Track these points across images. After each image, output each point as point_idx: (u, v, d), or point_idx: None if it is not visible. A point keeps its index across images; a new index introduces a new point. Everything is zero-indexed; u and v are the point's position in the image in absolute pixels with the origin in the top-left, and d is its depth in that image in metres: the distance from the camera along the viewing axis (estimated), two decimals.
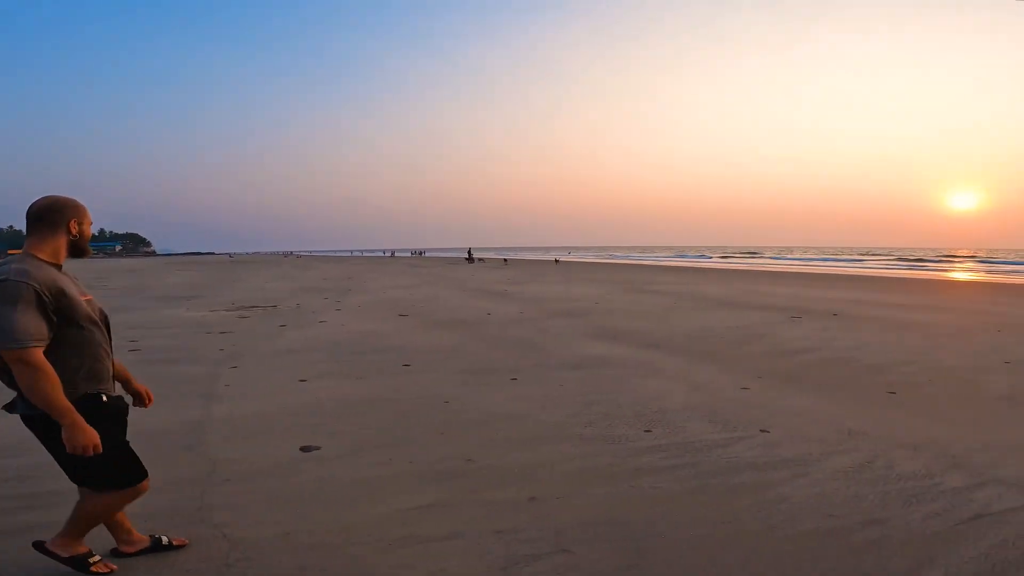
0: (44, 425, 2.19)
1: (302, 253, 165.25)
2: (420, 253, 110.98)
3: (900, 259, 55.69)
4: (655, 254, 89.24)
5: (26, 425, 2.27)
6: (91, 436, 2.13)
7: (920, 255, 64.69)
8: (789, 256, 67.03)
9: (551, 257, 63.89)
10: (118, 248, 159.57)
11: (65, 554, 2.40)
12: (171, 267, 47.72)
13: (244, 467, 3.69)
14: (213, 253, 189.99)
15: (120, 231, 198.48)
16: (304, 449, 4.02)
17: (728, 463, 3.61)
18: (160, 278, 28.97)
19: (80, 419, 2.12)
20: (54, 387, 2.08)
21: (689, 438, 4.12)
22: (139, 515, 2.78)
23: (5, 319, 2.02)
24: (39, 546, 2.43)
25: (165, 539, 2.65)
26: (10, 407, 2.28)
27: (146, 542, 2.62)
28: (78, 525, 2.40)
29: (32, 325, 2.05)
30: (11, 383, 2.19)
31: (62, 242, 2.24)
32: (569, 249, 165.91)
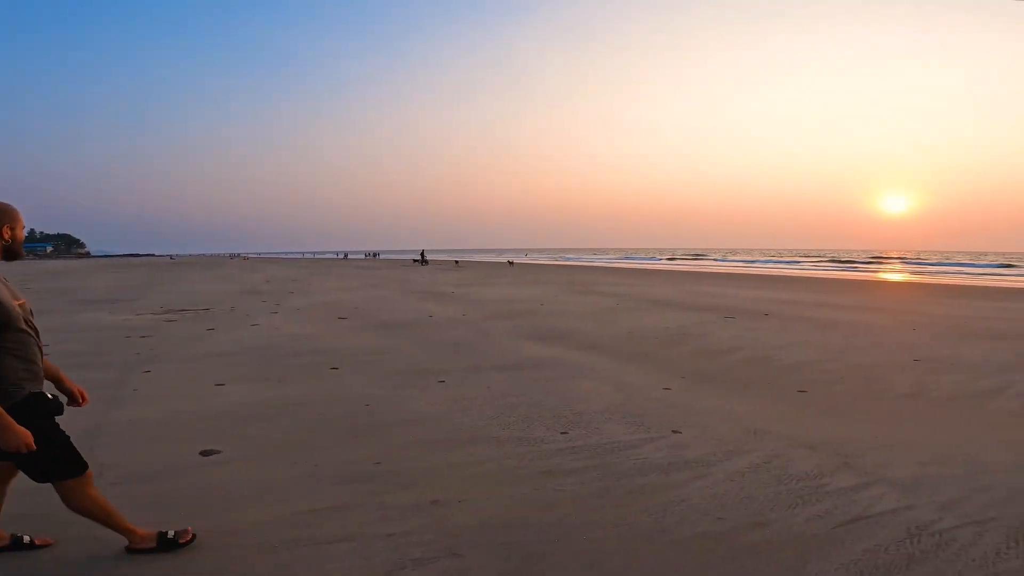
0: None
1: (250, 255, 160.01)
2: (374, 255, 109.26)
3: (833, 260, 58.37)
4: (607, 255, 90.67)
5: None
6: (23, 435, 2.22)
7: (852, 257, 67.97)
8: (733, 258, 69.23)
9: (505, 259, 64.02)
10: (49, 249, 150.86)
11: (149, 544, 2.58)
12: (103, 269, 45.47)
13: (134, 471, 3.58)
14: (153, 255, 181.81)
15: (52, 232, 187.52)
16: (204, 453, 3.92)
17: (635, 465, 3.63)
18: (88, 281, 27.51)
19: (10, 420, 2.20)
20: None
21: (603, 440, 4.14)
22: (14, 515, 2.72)
23: None
24: (129, 549, 2.59)
25: (27, 538, 2.63)
26: None
27: (5, 540, 2.61)
28: (106, 520, 2.52)
29: None
30: None
31: None
32: (526, 251, 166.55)
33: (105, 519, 2.51)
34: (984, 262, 54.42)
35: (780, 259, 64.01)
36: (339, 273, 34.48)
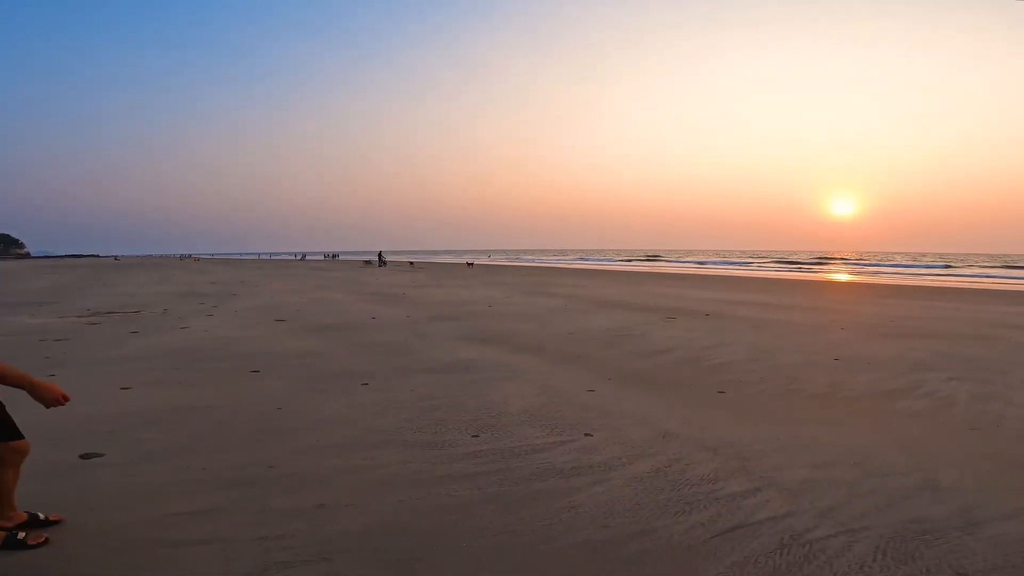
0: None
1: (203, 256, 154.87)
2: (333, 256, 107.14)
3: (780, 261, 59.93)
4: (568, 257, 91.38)
5: None
6: (56, 388, 2.58)
7: (801, 258, 70.12)
8: (688, 259, 70.48)
9: (464, 260, 63.76)
10: None
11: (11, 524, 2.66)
12: (40, 270, 43.25)
13: None
14: (98, 255, 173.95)
15: None
16: (84, 456, 3.79)
17: (537, 469, 3.56)
18: (19, 283, 26.06)
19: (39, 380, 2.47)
20: None
21: (513, 443, 4.06)
22: None
23: None
24: None
25: (42, 515, 2.80)
26: None
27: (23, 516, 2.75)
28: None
29: None
30: None
31: None
32: (490, 252, 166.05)
33: None
34: (928, 263, 56.77)
35: (731, 260, 65.55)
36: (291, 274, 33.66)
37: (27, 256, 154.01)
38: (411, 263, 53.91)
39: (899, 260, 66.07)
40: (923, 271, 41.62)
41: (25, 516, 2.75)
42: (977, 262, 60.12)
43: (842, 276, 35.14)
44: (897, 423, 4.53)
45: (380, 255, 51.46)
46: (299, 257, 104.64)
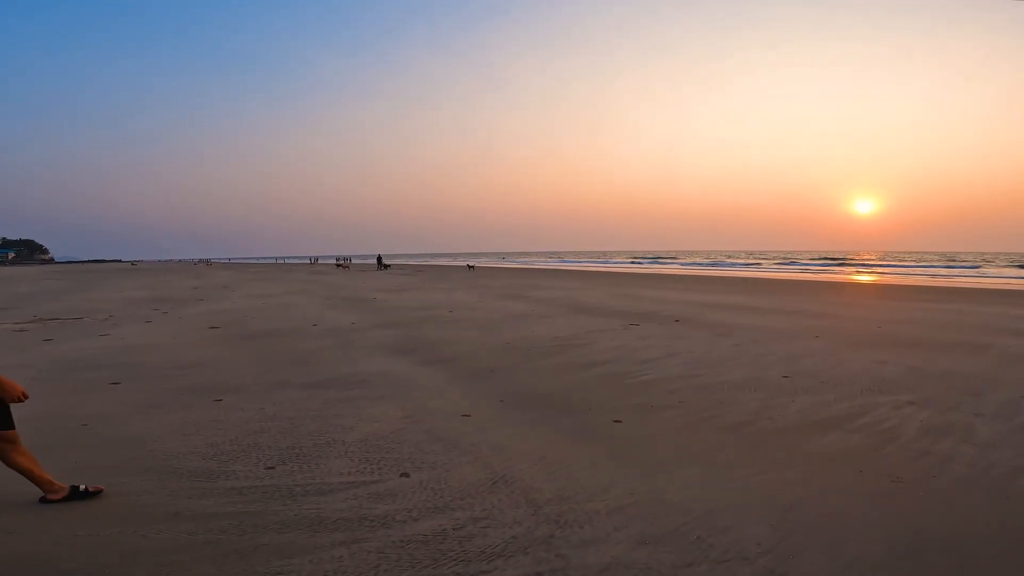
0: None
1: (220, 260, 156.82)
2: (346, 259, 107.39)
3: (787, 263, 56.99)
4: (577, 259, 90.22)
5: None
6: (18, 386, 2.77)
7: (813, 257, 67.45)
8: (690, 260, 68.18)
9: (464, 263, 63.03)
10: (11, 255, 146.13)
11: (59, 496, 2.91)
12: (42, 276, 43.63)
13: None
14: (120, 260, 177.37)
15: (14, 237, 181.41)
16: None
17: (294, 517, 2.77)
18: (3, 288, 25.95)
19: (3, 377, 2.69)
20: None
21: (304, 480, 3.27)
22: None
23: None
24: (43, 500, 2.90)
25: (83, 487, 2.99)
26: None
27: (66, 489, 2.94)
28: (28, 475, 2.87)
29: None
30: None
31: None
32: (504, 254, 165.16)
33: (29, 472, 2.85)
34: (959, 263, 53.23)
35: (734, 261, 63.37)
36: (283, 278, 33.22)
37: (50, 261, 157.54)
38: (387, 266, 51.62)
39: (925, 261, 62.60)
40: (946, 271, 38.79)
41: (68, 489, 2.93)
42: (1012, 261, 56.71)
43: (851, 276, 33.51)
44: (802, 470, 3.50)
45: (379, 259, 50.94)
46: (312, 260, 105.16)
